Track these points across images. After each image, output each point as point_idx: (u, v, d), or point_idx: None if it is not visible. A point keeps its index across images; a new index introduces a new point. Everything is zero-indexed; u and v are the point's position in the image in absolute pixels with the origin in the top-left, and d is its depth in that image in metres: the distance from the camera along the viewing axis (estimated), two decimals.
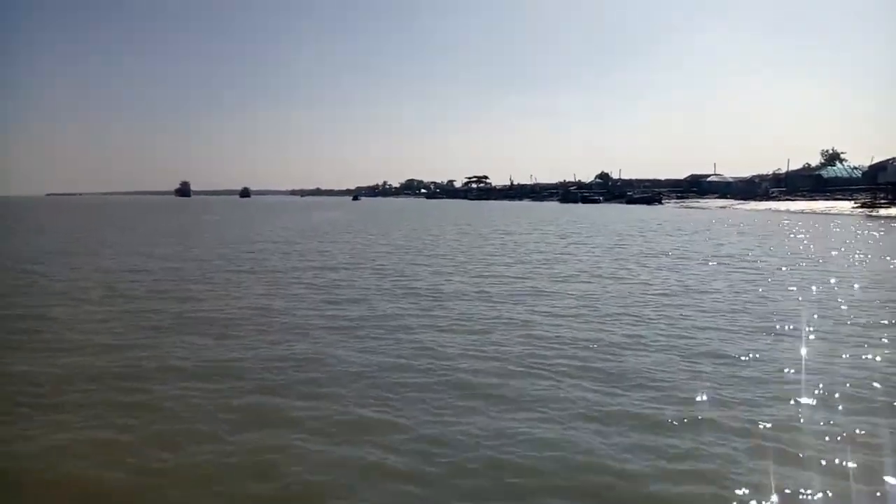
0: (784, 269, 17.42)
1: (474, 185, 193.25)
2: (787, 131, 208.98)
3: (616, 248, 23.98)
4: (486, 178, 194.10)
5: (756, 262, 19.22)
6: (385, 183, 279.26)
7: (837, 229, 37.03)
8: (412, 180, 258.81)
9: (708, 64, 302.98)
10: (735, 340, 8.85)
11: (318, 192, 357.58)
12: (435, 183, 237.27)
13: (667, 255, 21.14)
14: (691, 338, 9.00)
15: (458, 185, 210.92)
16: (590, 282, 14.76)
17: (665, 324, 9.97)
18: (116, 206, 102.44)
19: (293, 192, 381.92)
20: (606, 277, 15.51)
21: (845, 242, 26.83)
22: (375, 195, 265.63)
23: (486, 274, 16.14)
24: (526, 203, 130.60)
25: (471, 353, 8.22)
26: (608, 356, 8.01)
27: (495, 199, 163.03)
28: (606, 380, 7.07)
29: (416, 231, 36.04)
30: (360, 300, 12.17)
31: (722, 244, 25.95)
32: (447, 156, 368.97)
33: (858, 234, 32.56)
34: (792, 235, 31.65)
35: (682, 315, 10.69)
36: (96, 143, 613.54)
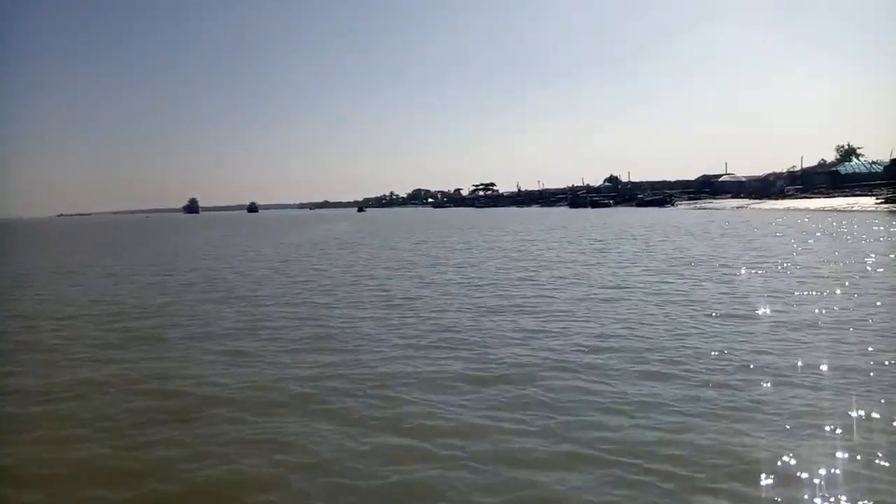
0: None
1: (481, 193, 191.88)
2: (799, 128, 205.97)
3: (644, 255, 22.09)
4: (493, 185, 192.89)
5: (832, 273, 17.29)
6: (392, 193, 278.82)
7: (876, 227, 35.01)
8: (419, 190, 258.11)
9: (714, 62, 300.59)
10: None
11: (326, 205, 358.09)
12: (442, 192, 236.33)
13: (705, 262, 19.22)
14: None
15: (465, 192, 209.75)
16: (632, 297, 12.92)
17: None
18: (128, 226, 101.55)
19: (302, 206, 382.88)
20: (649, 292, 13.65)
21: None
22: (383, 206, 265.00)
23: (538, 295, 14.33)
24: (535, 209, 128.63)
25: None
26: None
27: (503, 206, 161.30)
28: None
29: (429, 244, 34.30)
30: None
31: (758, 247, 24.01)
32: (454, 164, 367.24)
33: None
34: (836, 235, 29.65)
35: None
36: (104, 164, 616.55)
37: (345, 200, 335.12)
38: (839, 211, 56.47)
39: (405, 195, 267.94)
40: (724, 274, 16.36)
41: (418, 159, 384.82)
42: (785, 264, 18.07)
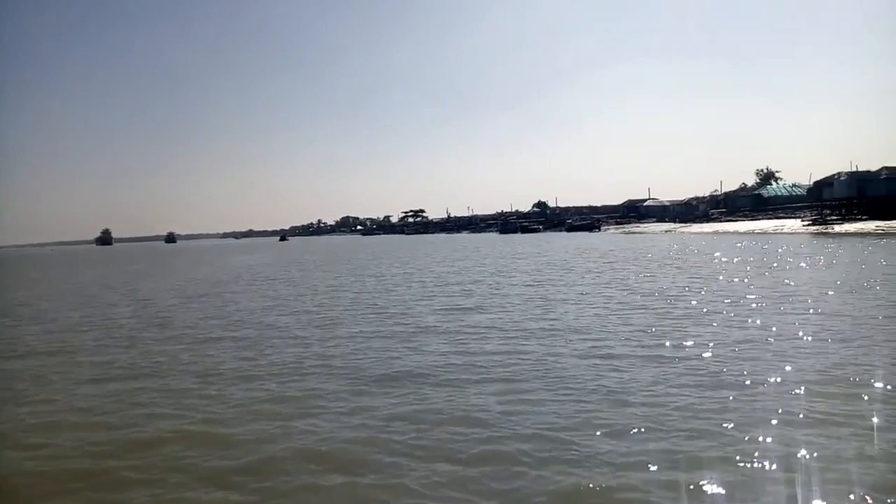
0: None
1: (411, 220, 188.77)
2: (718, 154, 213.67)
3: (610, 291, 18.42)
4: (422, 211, 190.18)
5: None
6: (320, 221, 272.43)
7: (836, 250, 33.12)
8: (348, 217, 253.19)
9: (636, 92, 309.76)
10: None
11: (251, 234, 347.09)
12: (371, 219, 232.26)
13: (687, 297, 15.72)
14: None
15: (394, 219, 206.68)
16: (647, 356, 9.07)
17: None
18: (23, 260, 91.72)
19: (225, 235, 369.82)
20: (657, 349, 9.85)
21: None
22: (310, 234, 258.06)
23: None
24: (465, 235, 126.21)
25: None
26: None
27: (433, 232, 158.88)
28: None
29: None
30: None
31: (733, 277, 20.93)
32: (383, 191, 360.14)
33: (863, 252, 28.55)
34: (813, 261, 27.22)
35: None
36: (12, 193, 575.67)
37: (270, 229, 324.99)
38: (768, 234, 55.84)
39: (333, 223, 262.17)
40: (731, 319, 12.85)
41: (346, 186, 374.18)
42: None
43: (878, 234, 43.21)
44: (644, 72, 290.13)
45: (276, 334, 12.52)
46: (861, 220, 53.37)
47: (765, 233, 57.15)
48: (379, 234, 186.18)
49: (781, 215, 74.92)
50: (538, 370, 8.45)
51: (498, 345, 10.35)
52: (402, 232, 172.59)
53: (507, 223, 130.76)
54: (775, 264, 24.72)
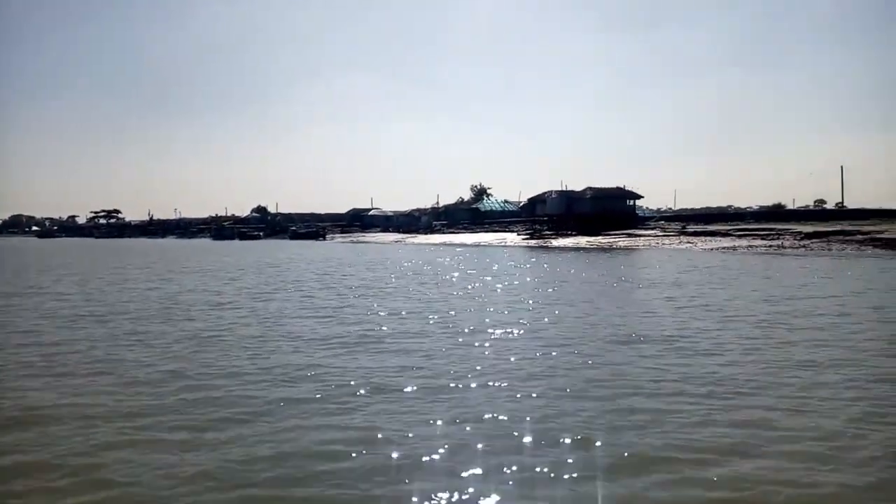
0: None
1: (103, 221, 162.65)
2: (435, 168, 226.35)
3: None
4: (117, 212, 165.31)
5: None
6: None
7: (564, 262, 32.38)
8: (19, 216, 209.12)
9: (354, 105, 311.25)
10: None
11: None
12: (51, 219, 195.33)
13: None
14: None
15: (81, 220, 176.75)
16: None
17: None
18: None
19: None
20: None
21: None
22: None
23: None
24: (171, 241, 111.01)
25: None
26: None
27: (131, 236, 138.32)
28: None
29: None
30: None
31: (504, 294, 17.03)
32: (68, 188, 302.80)
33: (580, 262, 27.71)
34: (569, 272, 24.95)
35: None
36: None
37: None
38: (494, 246, 56.82)
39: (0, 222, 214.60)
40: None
41: (19, 179, 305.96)
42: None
43: (600, 249, 45.80)
44: (368, 86, 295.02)
45: None
46: (572, 235, 57.30)
47: (490, 245, 58.24)
48: (61, 236, 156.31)
49: (497, 229, 78.79)
50: None
51: None
52: (92, 235, 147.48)
53: (222, 228, 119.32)
54: (565, 281, 22.21)
